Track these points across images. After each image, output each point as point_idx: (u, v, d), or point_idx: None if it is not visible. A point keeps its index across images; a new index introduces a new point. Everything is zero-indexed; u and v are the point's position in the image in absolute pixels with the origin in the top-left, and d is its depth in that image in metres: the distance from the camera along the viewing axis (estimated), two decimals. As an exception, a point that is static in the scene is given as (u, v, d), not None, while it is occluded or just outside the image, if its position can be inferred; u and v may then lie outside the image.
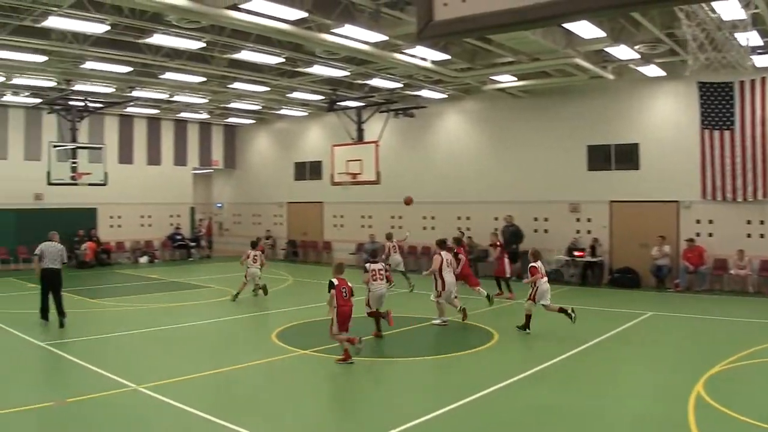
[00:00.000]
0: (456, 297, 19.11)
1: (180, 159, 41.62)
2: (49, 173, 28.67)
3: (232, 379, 13.41)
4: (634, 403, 11.54)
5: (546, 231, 29.35)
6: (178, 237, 40.12)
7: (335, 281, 14.36)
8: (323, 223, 38.52)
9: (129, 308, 22.10)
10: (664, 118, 26.68)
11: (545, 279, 17.77)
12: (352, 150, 28.20)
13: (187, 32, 20.91)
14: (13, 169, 33.93)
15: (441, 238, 21.00)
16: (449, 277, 18.98)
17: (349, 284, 14.57)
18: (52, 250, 19.00)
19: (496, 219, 29.95)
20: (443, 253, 19.22)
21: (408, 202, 26.21)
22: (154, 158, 40.24)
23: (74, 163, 28.91)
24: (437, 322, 18.80)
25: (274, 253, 40.26)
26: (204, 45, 22.37)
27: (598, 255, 27.44)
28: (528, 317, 17.44)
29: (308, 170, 39.56)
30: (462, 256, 21.40)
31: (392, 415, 11.00)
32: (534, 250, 18.19)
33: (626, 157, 27.46)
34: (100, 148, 31.08)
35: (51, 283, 18.81)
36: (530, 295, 17.57)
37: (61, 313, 18.43)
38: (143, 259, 38.08)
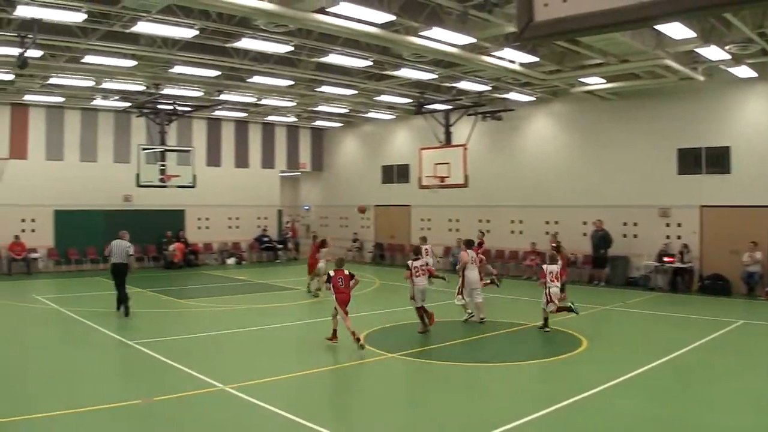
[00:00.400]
0: (478, 295, 19.98)
1: (267, 162, 42.27)
2: (138, 175, 29.23)
3: (320, 381, 13.64)
4: (728, 414, 11.36)
5: (635, 236, 28.98)
6: (265, 239, 40.74)
7: (332, 273, 16.60)
8: (410, 227, 38.71)
9: (216, 309, 22.58)
10: (757, 120, 26.07)
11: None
12: (440, 153, 28.29)
13: (275, 36, 21.24)
14: (102, 171, 35.04)
15: (468, 238, 22.03)
16: (472, 274, 19.94)
17: (346, 273, 16.51)
18: (118, 248, 20.97)
19: (585, 224, 29.80)
20: (469, 251, 20.19)
21: (362, 210, 27.24)
22: (241, 161, 40.98)
23: (163, 165, 29.46)
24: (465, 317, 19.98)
25: (361, 256, 40.63)
26: (291, 48, 22.66)
27: (687, 261, 27.00)
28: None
29: (396, 173, 39.78)
30: (481, 256, 22.00)
31: (481, 421, 11.09)
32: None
33: (717, 160, 26.90)
34: (188, 151, 31.58)
35: (117, 275, 20.91)
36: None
37: (123, 300, 20.79)
38: (230, 261, 38.84)
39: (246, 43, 21.93)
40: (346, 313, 16.22)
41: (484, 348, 16.93)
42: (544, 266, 18.52)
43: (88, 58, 23.55)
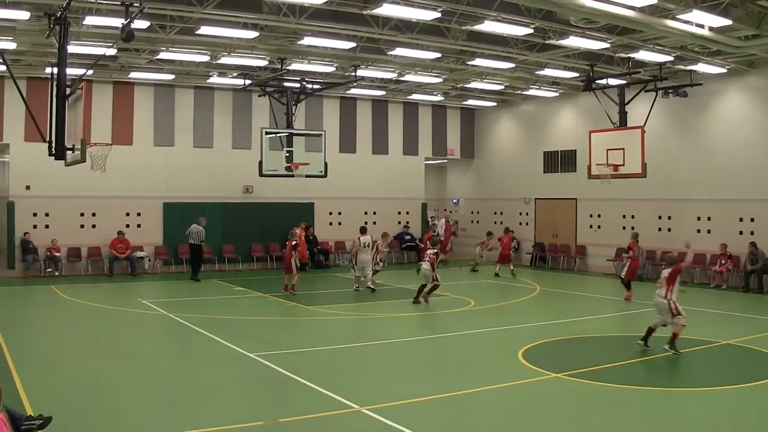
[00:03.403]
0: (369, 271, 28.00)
1: (410, 147, 42.41)
2: (261, 163, 29.77)
3: (472, 404, 13.41)
4: None
5: None
6: (407, 237, 40.81)
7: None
8: (577, 224, 38.22)
9: (349, 317, 22.77)
10: None
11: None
12: (613, 137, 27.89)
13: (420, 1, 21.22)
14: (219, 158, 35.76)
15: (362, 226, 30.24)
16: (364, 257, 27.83)
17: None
18: (195, 231, 31.17)
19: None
20: (362, 237, 28.11)
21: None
22: (380, 147, 41.24)
23: (289, 151, 29.94)
24: None
25: (518, 257, 40.29)
26: (439, 15, 22.58)
27: None
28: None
29: (560, 161, 39.31)
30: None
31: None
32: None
33: None
34: (319, 135, 31.78)
35: (193, 254, 31.43)
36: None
37: (195, 274, 31.26)
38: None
39: (387, 9, 21.89)
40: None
41: (666, 369, 16.48)
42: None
43: (203, 29, 23.95)
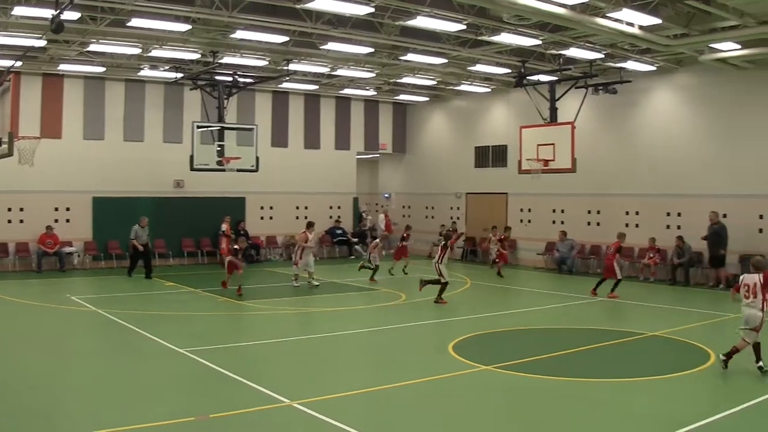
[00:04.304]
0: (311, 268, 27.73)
1: (342, 142, 42.39)
2: (192, 157, 29.45)
3: (402, 397, 13.46)
4: None
5: (775, 232, 28.41)
6: (339, 231, 40.83)
7: None
8: (508, 218, 38.31)
9: (281, 312, 22.69)
10: None
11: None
12: (544, 132, 28.09)
13: (354, -5, 21.21)
14: (150, 152, 35.31)
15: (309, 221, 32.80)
16: (308, 257, 27.67)
17: None
18: (139, 232, 29.99)
19: (709, 216, 29.17)
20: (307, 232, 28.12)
21: None
22: (312, 141, 41.10)
23: (221, 145, 29.68)
24: None
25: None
26: (372, 10, 22.55)
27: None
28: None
29: (491, 156, 39.51)
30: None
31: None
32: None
33: None
34: (250, 129, 31.63)
35: (143, 255, 30.26)
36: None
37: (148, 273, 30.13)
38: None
39: (319, 4, 21.84)
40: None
41: (593, 360, 16.75)
42: (742, 276, 16.09)
43: (135, 21, 23.61)
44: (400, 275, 30.85)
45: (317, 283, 27.57)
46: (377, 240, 30.48)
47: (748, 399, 12.97)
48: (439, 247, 24.56)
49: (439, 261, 24.09)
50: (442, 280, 24.06)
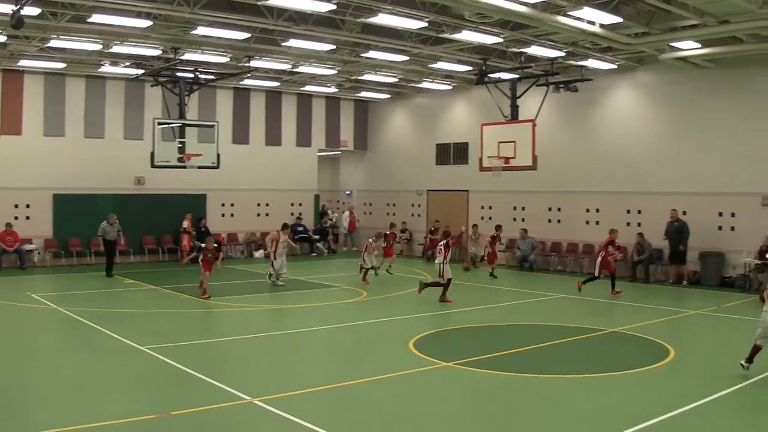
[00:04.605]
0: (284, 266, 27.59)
1: (303, 139, 42.27)
2: (153, 154, 29.29)
3: (363, 394, 13.52)
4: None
5: (732, 229, 28.53)
6: (300, 228, 40.67)
7: None
8: (469, 215, 38.45)
9: (242, 310, 22.59)
10: None
11: None
12: (505, 130, 28.15)
13: (315, -8, 21.14)
14: (111, 149, 35.02)
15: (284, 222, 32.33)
16: (281, 258, 27.27)
17: None
18: (107, 229, 29.66)
19: (670, 213, 29.38)
20: (281, 232, 27.61)
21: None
22: (273, 138, 41.00)
23: (182, 142, 29.49)
24: None
25: (410, 249, 40.62)
26: (334, 7, 22.50)
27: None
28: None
29: (452, 153, 39.62)
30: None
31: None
32: None
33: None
34: (211, 126, 31.49)
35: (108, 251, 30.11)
36: None
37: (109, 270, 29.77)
38: (258, 254, 38.68)
39: (281, 1, 21.81)
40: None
41: (553, 357, 16.82)
42: None
43: (95, 17, 23.45)
44: (384, 275, 30.74)
45: (282, 283, 27.32)
46: (371, 240, 29.67)
47: (707, 395, 13.09)
48: (442, 247, 23.96)
49: (444, 261, 23.76)
50: (442, 281, 23.89)
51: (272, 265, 27.53)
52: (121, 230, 29.94)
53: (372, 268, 29.28)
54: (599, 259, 25.81)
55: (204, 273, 24.32)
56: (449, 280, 23.86)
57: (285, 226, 28.33)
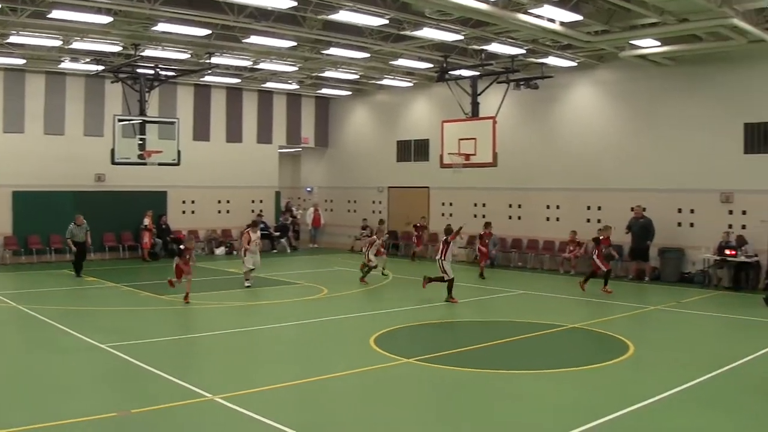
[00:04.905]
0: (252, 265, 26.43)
1: (264, 136, 42.19)
2: (113, 151, 29.06)
3: (324, 390, 13.52)
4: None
5: (692, 225, 28.81)
6: (261, 225, 40.46)
7: None
8: (430, 212, 38.56)
9: (203, 307, 22.46)
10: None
11: None
12: (466, 127, 28.18)
13: (276, -11, 21.08)
14: (71, 146, 34.74)
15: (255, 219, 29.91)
16: (253, 256, 26.35)
17: None
18: (76, 230, 28.70)
19: (633, 210, 29.54)
20: (251, 232, 26.71)
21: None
22: (234, 135, 40.87)
23: (142, 139, 29.33)
24: None
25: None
26: (295, 4, 22.35)
27: (751, 255, 26.60)
28: None
29: (413, 150, 39.67)
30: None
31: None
32: None
33: (792, 137, 26.82)
34: (172, 123, 31.44)
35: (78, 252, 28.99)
36: None
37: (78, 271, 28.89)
38: (219, 251, 38.74)
39: (242, -4, 21.74)
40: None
41: (514, 352, 16.94)
42: None
43: (55, 13, 23.20)
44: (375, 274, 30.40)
45: (245, 283, 26.70)
46: (374, 237, 28.98)
47: (666, 390, 13.16)
48: (441, 243, 23.84)
49: (443, 258, 23.50)
50: (446, 278, 23.48)
51: (244, 263, 26.72)
52: (89, 230, 29.20)
53: (375, 267, 28.42)
54: (594, 256, 25.45)
55: (187, 276, 22.93)
56: (451, 279, 23.50)
57: (254, 224, 28.00)
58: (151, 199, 36.58)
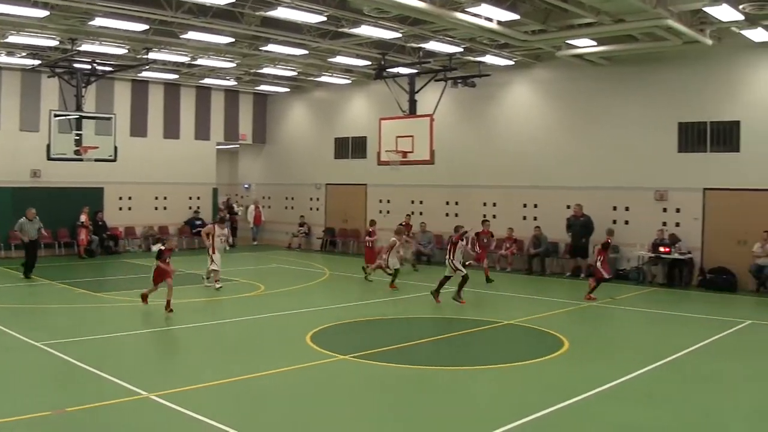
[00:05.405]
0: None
1: (202, 132, 41.95)
2: (49, 146, 28.73)
3: (260, 387, 13.47)
4: (731, 426, 11.46)
5: (626, 222, 29.16)
6: (198, 222, 40.32)
7: None
8: (367, 209, 38.62)
9: (138, 304, 22.25)
10: (772, 91, 26.41)
11: None
12: (403, 124, 28.19)
13: (214, -15, 20.99)
14: (6, 141, 34.22)
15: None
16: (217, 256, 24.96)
17: None
18: (27, 226, 27.04)
19: (569, 207, 29.91)
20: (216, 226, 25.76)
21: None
22: (171, 131, 40.58)
23: (78, 135, 29.02)
24: None
25: (309, 243, 40.63)
26: (233, 0, 22.41)
27: (684, 252, 27.05)
28: None
29: (351, 147, 39.71)
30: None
31: (447, 433, 11.14)
32: None
33: (724, 137, 27.12)
34: (109, 119, 31.02)
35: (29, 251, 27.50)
36: None
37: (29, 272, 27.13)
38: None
39: (180, -8, 21.58)
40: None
41: (450, 349, 17.04)
42: None
43: (-9, 7, 23.06)
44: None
45: (215, 285, 25.06)
46: (394, 239, 26.75)
47: (600, 384, 13.34)
48: (448, 246, 23.12)
49: (451, 258, 22.75)
50: (462, 272, 22.53)
51: (212, 262, 25.03)
52: (43, 227, 27.77)
53: (396, 272, 26.08)
54: (598, 264, 23.82)
55: (167, 281, 20.68)
56: (464, 276, 22.60)
57: (222, 220, 27.49)
58: (87, 196, 36.13)
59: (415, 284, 26.42)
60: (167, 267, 20.79)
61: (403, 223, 30.64)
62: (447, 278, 22.99)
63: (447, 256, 23.06)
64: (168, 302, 20.41)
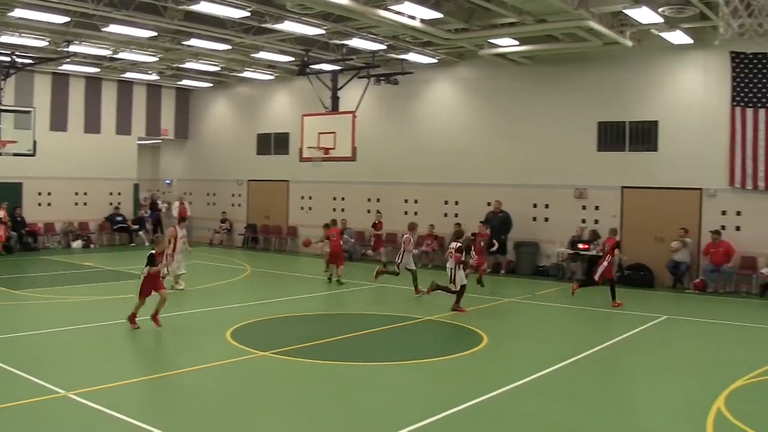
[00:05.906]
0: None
1: (123, 127, 41.43)
2: (-35, 140, 28.34)
3: (180, 384, 13.45)
4: (646, 420, 11.62)
5: (546, 219, 29.62)
6: (119, 218, 39.99)
7: None
8: (289, 206, 38.69)
9: (58, 301, 22.01)
10: (690, 92, 26.85)
11: None
12: (326, 121, 28.18)
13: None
14: None
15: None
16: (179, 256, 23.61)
17: None
18: None
19: (489, 204, 30.25)
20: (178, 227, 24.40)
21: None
22: (92, 125, 40.01)
23: (-4, 128, 28.70)
24: None
25: (230, 239, 40.46)
26: (156, -7, 22.28)
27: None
28: None
29: (273, 143, 39.64)
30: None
31: (365, 428, 11.17)
32: None
33: (643, 136, 27.67)
34: (28, 112, 30.75)
35: None
36: None
37: None
38: (76, 244, 37.96)
39: (101, -15, 21.37)
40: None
41: (369, 345, 17.16)
42: None
43: None
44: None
45: (181, 287, 23.90)
46: (408, 236, 24.83)
47: (517, 380, 13.51)
48: (453, 250, 21.14)
49: (457, 266, 21.14)
50: (453, 288, 21.05)
51: (178, 266, 23.54)
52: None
53: (414, 273, 24.35)
54: (605, 263, 22.71)
55: (159, 292, 18.06)
56: (463, 287, 21.19)
57: (182, 220, 26.52)
58: (5, 191, 35.38)
59: (338, 281, 26.48)
60: (157, 277, 18.12)
61: (376, 222, 30.93)
62: (463, 287, 21.23)
63: (449, 265, 21.40)
64: (156, 313, 18.07)
